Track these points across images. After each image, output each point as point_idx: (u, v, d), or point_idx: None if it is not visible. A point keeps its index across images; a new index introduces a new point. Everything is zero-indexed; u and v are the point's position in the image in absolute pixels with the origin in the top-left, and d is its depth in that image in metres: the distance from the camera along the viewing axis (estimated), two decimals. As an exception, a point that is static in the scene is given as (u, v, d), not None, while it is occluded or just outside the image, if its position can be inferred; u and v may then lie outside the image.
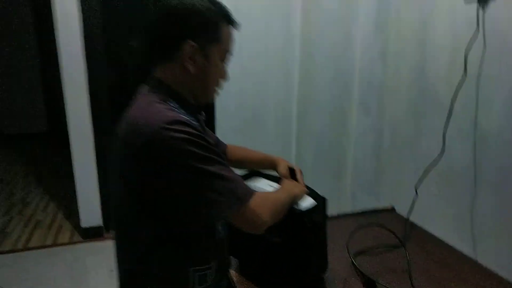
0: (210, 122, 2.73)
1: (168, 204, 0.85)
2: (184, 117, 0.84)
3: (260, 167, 1.26)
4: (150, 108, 0.84)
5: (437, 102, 1.80)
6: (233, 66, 2.83)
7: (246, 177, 1.17)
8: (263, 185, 1.10)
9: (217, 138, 1.29)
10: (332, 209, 1.35)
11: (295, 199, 1.00)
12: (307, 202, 1.03)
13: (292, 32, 2.71)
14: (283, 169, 1.21)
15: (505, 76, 1.47)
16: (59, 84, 2.54)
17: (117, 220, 0.96)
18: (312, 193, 1.11)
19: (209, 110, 2.71)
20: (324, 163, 2.64)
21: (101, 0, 2.45)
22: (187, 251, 0.91)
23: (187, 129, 0.80)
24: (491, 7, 1.51)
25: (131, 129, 0.84)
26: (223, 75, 0.98)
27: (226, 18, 0.92)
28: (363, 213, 1.42)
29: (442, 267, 1.13)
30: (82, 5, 2.37)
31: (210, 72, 0.92)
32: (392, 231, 1.23)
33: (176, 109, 0.86)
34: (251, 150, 1.32)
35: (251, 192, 0.86)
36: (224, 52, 0.94)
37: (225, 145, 1.31)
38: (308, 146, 2.71)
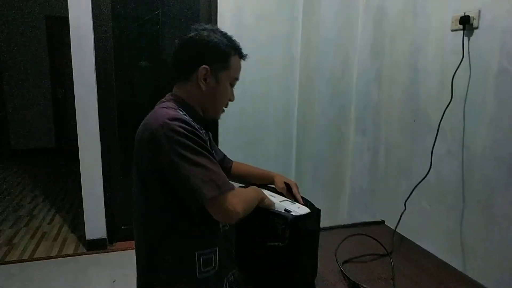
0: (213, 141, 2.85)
1: (166, 192, 0.99)
2: (187, 117, 0.99)
3: (260, 181, 1.38)
4: (160, 110, 1.01)
5: (427, 123, 1.91)
6: (236, 89, 3.00)
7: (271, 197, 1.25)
8: (286, 204, 1.16)
9: (223, 154, 1.41)
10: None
11: (261, 202, 1.10)
12: (302, 210, 1.11)
13: (292, 57, 2.87)
14: (279, 183, 1.34)
15: (489, 99, 1.58)
16: (67, 102, 2.66)
17: (135, 218, 1.09)
18: (308, 204, 1.20)
19: (213, 130, 2.83)
20: (322, 183, 2.73)
21: (112, 25, 2.62)
22: (193, 238, 1.04)
23: (185, 125, 0.96)
24: (475, 35, 1.64)
25: (143, 128, 1.00)
26: (230, 97, 1.14)
27: (236, 51, 1.11)
28: (354, 225, 1.50)
29: (426, 275, 1.20)
30: (95, 29, 2.53)
31: (219, 93, 1.10)
32: (376, 239, 1.31)
33: (184, 114, 1.02)
34: (253, 166, 1.45)
35: (230, 185, 0.97)
36: (233, 78, 1.12)
37: (231, 161, 1.44)
38: (307, 166, 2.81)
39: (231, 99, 1.16)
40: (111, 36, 2.64)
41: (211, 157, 0.97)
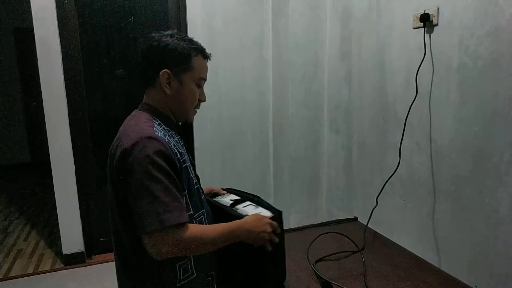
0: (188, 147, 2.83)
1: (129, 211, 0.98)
2: (159, 135, 1.00)
3: None
4: (134, 127, 1.02)
5: (396, 119, 1.95)
6: (211, 95, 3.00)
7: (238, 202, 1.21)
8: (249, 209, 1.15)
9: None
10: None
11: (239, 238, 1.02)
12: (265, 214, 1.11)
13: (265, 61, 2.89)
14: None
15: (452, 93, 1.62)
16: (40, 115, 2.61)
17: (112, 232, 1.09)
18: (268, 207, 1.17)
19: (188, 136, 2.82)
20: (300, 183, 2.75)
21: (79, 35, 2.58)
22: None
23: (155, 145, 0.96)
24: (436, 32, 1.68)
25: (117, 143, 1.02)
26: (198, 97, 1.14)
27: (198, 51, 1.12)
28: (327, 224, 1.52)
29: (398, 271, 1.22)
30: (62, 40, 2.49)
31: (184, 95, 1.11)
32: (348, 236, 1.33)
33: (157, 125, 1.05)
34: None
35: (175, 220, 0.92)
36: (198, 79, 1.12)
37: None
38: (284, 168, 2.82)
39: (202, 100, 1.16)
40: (79, 46, 2.60)
41: (168, 183, 0.95)
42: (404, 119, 1.80)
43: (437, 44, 1.68)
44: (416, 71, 1.76)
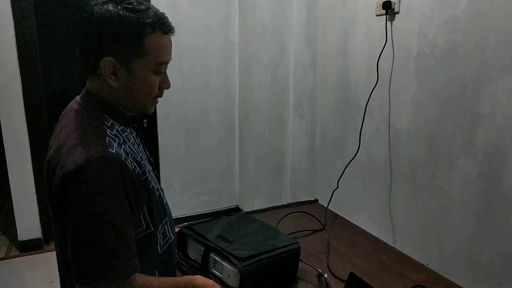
0: (152, 132, 2.78)
1: None
2: (114, 150, 0.79)
3: None
4: (80, 136, 0.80)
5: (358, 105, 1.99)
6: (175, 77, 2.91)
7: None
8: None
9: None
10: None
11: None
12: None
13: (231, 44, 2.85)
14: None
15: (411, 80, 1.68)
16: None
17: (53, 231, 0.94)
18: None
19: (151, 121, 2.75)
20: (265, 167, 2.78)
21: (34, 13, 2.43)
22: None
23: (109, 170, 0.77)
24: (397, 20, 1.72)
25: (56, 157, 0.82)
26: (157, 87, 0.89)
27: (154, 26, 0.82)
28: (289, 206, 1.55)
29: (351, 247, 1.27)
30: (15, 17, 2.34)
31: (137, 87, 0.85)
32: (312, 215, 1.36)
33: (109, 130, 0.84)
34: None
35: (115, 273, 0.74)
36: (156, 65, 0.85)
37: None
38: (250, 152, 2.83)
39: (164, 88, 0.91)
40: (34, 21, 2.45)
41: (122, 224, 0.76)
42: (365, 105, 1.85)
43: (398, 31, 1.73)
44: (377, 58, 1.80)
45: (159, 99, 0.94)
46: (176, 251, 1.08)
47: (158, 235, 0.93)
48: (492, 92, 1.34)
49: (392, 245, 1.37)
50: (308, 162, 2.53)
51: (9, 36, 2.35)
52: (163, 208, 0.97)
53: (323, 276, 1.06)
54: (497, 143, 1.34)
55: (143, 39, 0.82)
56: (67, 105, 0.94)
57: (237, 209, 3.05)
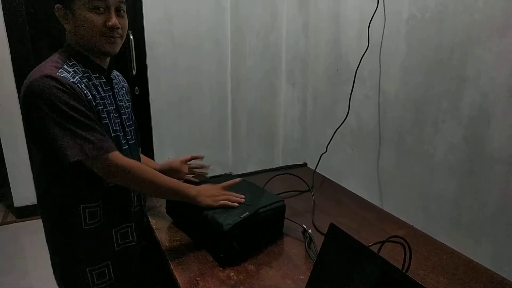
0: (143, 98, 2.78)
1: (41, 147, 1.02)
2: (62, 75, 0.97)
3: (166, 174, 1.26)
4: (40, 66, 1.00)
5: (349, 71, 2.00)
6: (165, 43, 2.88)
7: None
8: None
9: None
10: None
11: (184, 198, 1.11)
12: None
13: (222, 9, 2.80)
14: (176, 162, 1.35)
15: (401, 45, 1.68)
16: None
17: (32, 169, 1.11)
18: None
19: (143, 88, 2.75)
20: (258, 134, 2.80)
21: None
22: (77, 192, 1.06)
23: (54, 83, 0.94)
24: (389, -17, 1.70)
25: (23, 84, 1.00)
26: (98, 24, 1.02)
27: None
28: (278, 169, 1.58)
29: (337, 206, 1.32)
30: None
31: (80, 26, 1.02)
32: (299, 177, 1.40)
33: (68, 66, 1.01)
34: (152, 161, 1.40)
35: (98, 151, 0.97)
36: (89, 3, 1.00)
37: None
38: (242, 119, 2.85)
39: (108, 25, 1.03)
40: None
41: (82, 118, 0.96)
42: (355, 70, 1.86)
43: (390, -4, 1.71)
44: (368, 23, 1.79)
45: (119, 40, 1.07)
46: (132, 197, 1.18)
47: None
48: (479, 56, 1.35)
49: (380, 206, 1.41)
50: (300, 130, 2.56)
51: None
52: (121, 150, 1.09)
53: (308, 231, 1.11)
54: (482, 106, 1.36)
55: None
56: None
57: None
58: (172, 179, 1.12)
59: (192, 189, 1.12)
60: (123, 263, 1.16)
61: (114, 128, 1.10)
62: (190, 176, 1.34)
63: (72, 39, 1.05)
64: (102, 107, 1.05)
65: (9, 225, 2.63)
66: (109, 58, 1.13)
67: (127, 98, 1.24)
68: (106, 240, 1.11)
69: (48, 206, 1.08)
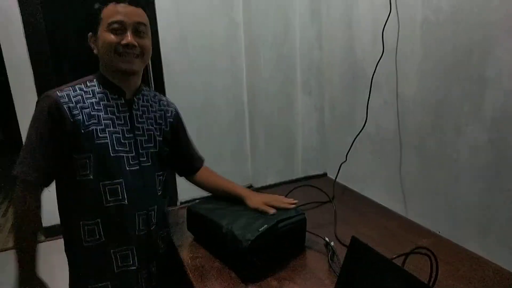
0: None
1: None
2: (60, 94, 1.10)
3: (228, 196, 1.32)
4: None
5: (364, 77, 1.98)
6: (180, 61, 2.91)
7: None
8: None
9: (191, 151, 1.54)
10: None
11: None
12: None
13: (235, 24, 2.83)
14: (253, 204, 1.22)
15: (416, 48, 1.65)
16: (9, 93, 2.53)
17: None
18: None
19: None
20: (276, 145, 2.79)
21: (41, 7, 2.47)
22: (77, 208, 1.13)
23: (44, 103, 1.09)
24: (401, -12, 1.69)
25: None
26: (113, 42, 1.11)
27: (105, 2, 1.13)
28: (298, 180, 1.57)
29: (360, 217, 1.29)
30: (22, 11, 2.38)
31: (100, 46, 1.14)
32: (319, 188, 1.38)
33: (81, 85, 1.15)
34: (223, 178, 1.43)
35: (22, 175, 1.09)
36: (108, 25, 1.11)
37: (200, 162, 1.54)
38: (260, 131, 2.85)
39: (121, 42, 1.11)
40: (41, 15, 2.49)
41: (34, 142, 1.07)
42: (371, 77, 1.84)
43: (403, 2, 1.69)
44: (382, 28, 1.77)
45: (137, 59, 1.13)
46: (135, 220, 1.16)
47: (101, 187, 1.11)
48: (498, 56, 1.31)
49: (404, 215, 1.37)
50: (318, 138, 2.54)
51: (18, 31, 2.40)
52: (120, 171, 1.12)
53: (330, 244, 1.09)
54: (505, 107, 1.32)
55: (101, 13, 1.12)
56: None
57: (250, 188, 3.08)
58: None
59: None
60: (124, 287, 1.16)
61: (117, 148, 1.12)
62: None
63: (100, 63, 1.18)
64: (102, 127, 1.11)
65: (38, 245, 2.70)
66: (134, 79, 1.18)
67: (158, 121, 1.25)
68: (105, 260, 1.14)
69: (61, 221, 1.20)
